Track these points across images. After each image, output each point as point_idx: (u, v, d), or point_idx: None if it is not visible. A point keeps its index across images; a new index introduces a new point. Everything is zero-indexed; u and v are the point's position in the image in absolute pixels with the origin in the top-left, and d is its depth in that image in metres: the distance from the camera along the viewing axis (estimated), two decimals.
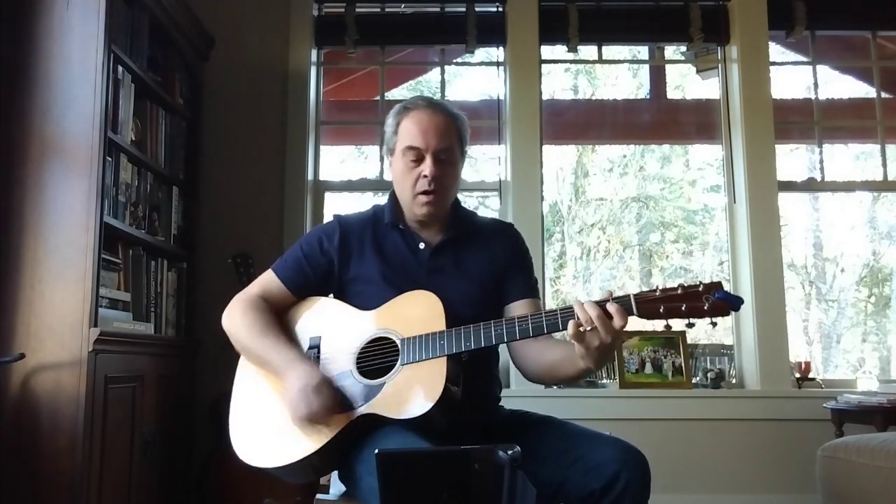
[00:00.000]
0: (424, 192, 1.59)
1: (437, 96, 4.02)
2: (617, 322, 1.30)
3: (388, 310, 1.53)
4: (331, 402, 1.43)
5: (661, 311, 1.33)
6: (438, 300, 1.49)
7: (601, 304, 1.32)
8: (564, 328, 1.35)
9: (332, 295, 1.67)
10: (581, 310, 1.32)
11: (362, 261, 1.62)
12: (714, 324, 1.33)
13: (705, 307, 1.31)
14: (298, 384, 1.43)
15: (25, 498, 2.10)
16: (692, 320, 1.34)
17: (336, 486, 1.62)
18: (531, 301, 1.65)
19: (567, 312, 1.36)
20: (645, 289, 1.37)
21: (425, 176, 1.58)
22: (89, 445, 2.14)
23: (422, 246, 1.64)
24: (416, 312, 1.50)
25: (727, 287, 1.51)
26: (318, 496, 1.59)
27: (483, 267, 1.64)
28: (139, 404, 2.47)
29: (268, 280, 1.66)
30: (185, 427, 2.90)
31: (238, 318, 1.60)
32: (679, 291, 1.33)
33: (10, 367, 2.14)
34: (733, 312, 1.34)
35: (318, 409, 1.41)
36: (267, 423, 1.51)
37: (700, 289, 1.32)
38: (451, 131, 1.62)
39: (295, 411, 1.43)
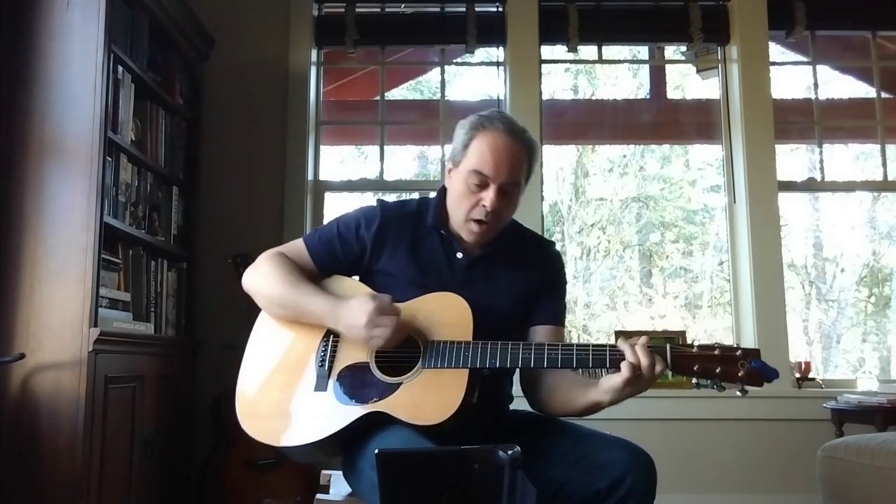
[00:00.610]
0: (478, 221, 1.51)
1: (437, 96, 4.02)
2: (656, 369, 1.34)
3: (416, 307, 1.49)
4: (398, 320, 1.40)
5: (696, 369, 1.34)
6: (468, 308, 1.45)
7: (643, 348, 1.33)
8: (587, 365, 1.36)
9: (357, 277, 1.64)
10: (632, 353, 1.33)
11: (395, 257, 1.57)
12: (744, 391, 1.32)
13: (740, 374, 1.30)
14: (363, 309, 1.40)
15: (25, 498, 2.10)
16: (724, 384, 1.34)
17: (336, 486, 1.62)
18: (555, 328, 1.61)
19: (599, 353, 1.37)
20: (682, 343, 1.37)
21: (484, 206, 1.50)
22: (89, 445, 2.13)
23: (459, 255, 1.58)
24: (444, 316, 1.46)
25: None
26: (318, 496, 1.58)
27: (516, 285, 1.59)
28: (139, 404, 2.47)
29: (297, 250, 1.61)
30: (185, 427, 2.90)
31: (270, 270, 1.55)
32: (716, 352, 1.32)
33: (10, 367, 2.14)
34: (766, 382, 1.32)
35: (392, 327, 1.39)
36: (277, 402, 1.48)
37: (738, 353, 1.31)
38: (523, 164, 1.53)
39: (370, 340, 1.40)
